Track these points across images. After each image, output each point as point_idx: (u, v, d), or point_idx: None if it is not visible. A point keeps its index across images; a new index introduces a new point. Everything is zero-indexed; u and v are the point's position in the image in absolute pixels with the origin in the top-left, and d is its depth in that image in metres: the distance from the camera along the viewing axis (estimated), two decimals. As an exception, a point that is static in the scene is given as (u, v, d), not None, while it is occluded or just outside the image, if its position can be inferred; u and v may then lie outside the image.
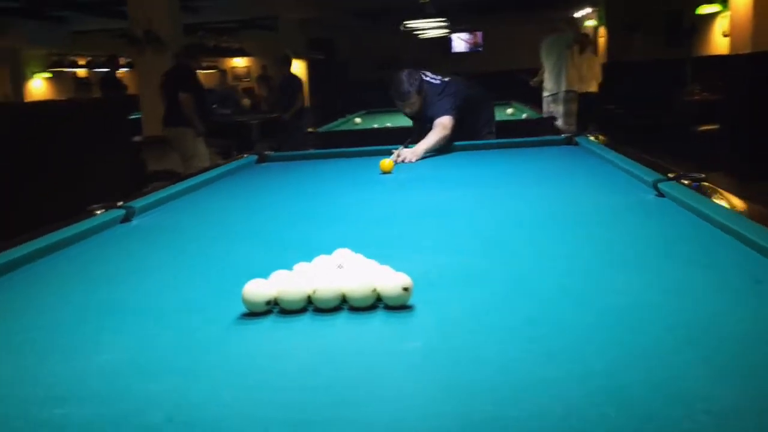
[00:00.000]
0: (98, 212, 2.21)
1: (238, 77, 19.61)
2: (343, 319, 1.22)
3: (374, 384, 0.95)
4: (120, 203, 2.31)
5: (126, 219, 2.26)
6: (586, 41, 7.50)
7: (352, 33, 17.42)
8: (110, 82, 10.11)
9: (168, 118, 6.27)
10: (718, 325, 1.09)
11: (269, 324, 1.22)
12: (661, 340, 1.03)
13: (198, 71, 6.81)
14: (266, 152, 3.79)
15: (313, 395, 0.91)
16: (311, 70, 13.96)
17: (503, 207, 2.21)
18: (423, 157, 3.42)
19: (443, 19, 6.58)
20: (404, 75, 3.76)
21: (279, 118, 8.14)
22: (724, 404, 0.83)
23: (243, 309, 1.26)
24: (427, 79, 3.86)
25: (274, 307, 1.27)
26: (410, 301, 1.26)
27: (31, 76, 15.04)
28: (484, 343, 1.08)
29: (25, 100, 14.01)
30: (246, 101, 12.68)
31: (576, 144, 3.47)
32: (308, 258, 1.41)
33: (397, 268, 1.29)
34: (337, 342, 1.13)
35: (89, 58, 14.89)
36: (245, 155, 3.75)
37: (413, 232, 1.91)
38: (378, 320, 1.21)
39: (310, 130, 5.62)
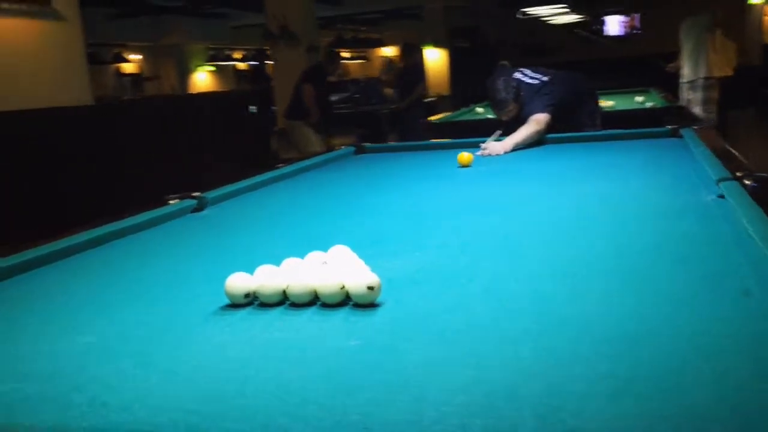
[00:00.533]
0: (171, 202, 2.40)
1: (391, 66, 20.03)
2: (308, 314, 1.27)
3: (276, 378, 0.99)
4: (196, 194, 2.49)
5: (198, 209, 2.43)
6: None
7: (498, 20, 17.17)
8: (258, 74, 10.69)
9: (289, 111, 6.61)
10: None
11: (241, 315, 1.30)
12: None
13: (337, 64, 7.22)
14: (363, 144, 3.88)
15: (215, 387, 0.97)
16: (454, 58, 13.94)
17: (556, 203, 2.14)
18: (512, 151, 3.36)
19: (564, 5, 6.30)
20: (500, 83, 3.71)
21: (398, 108, 8.20)
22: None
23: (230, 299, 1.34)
24: (525, 80, 3.79)
25: (255, 300, 1.34)
26: (380, 300, 1.29)
27: (194, 69, 16.25)
28: (424, 345, 1.08)
29: (189, 92, 15.18)
30: (388, 91, 12.92)
31: (680, 136, 3.26)
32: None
33: (394, 266, 1.33)
34: (278, 336, 1.18)
35: (244, 52, 15.77)
36: (343, 147, 3.87)
37: (441, 228, 1.92)
38: (338, 317, 1.25)
39: (432, 119, 5.70)
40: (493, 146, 3.36)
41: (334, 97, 11.31)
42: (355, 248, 1.47)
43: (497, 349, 1.04)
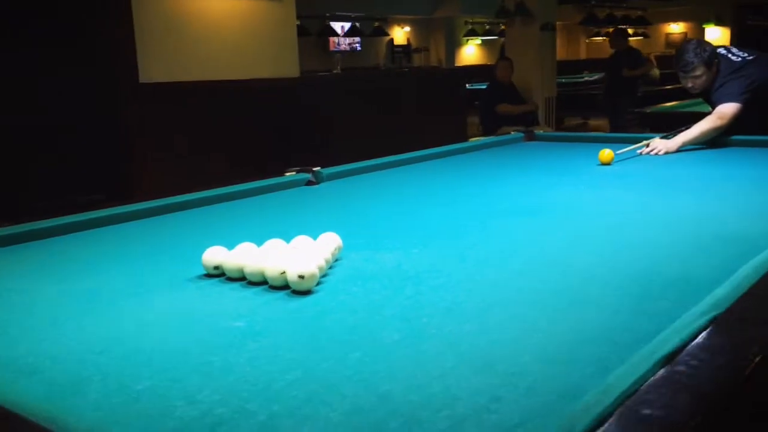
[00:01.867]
0: (287, 173, 2.62)
1: (673, 44, 18.56)
2: (242, 293, 1.38)
3: (152, 349, 1.12)
4: (316, 168, 2.68)
5: (312, 182, 2.62)
6: None
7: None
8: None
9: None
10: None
11: (192, 286, 1.44)
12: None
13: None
14: (535, 131, 3.77)
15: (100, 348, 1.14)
16: (741, 39, 12.48)
17: (625, 216, 1.95)
18: (679, 150, 3.05)
19: None
20: (692, 44, 3.32)
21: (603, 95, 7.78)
22: None
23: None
24: (728, 55, 3.33)
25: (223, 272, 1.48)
26: (316, 289, 1.36)
27: (465, 43, 16.59)
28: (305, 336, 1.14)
29: (455, 65, 15.59)
30: (655, 71, 11.96)
31: None
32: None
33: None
34: (184, 310, 1.30)
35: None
36: (511, 132, 3.81)
37: (496, 234, 1.87)
38: (261, 298, 1.34)
39: (649, 109, 5.29)
40: (657, 144, 3.07)
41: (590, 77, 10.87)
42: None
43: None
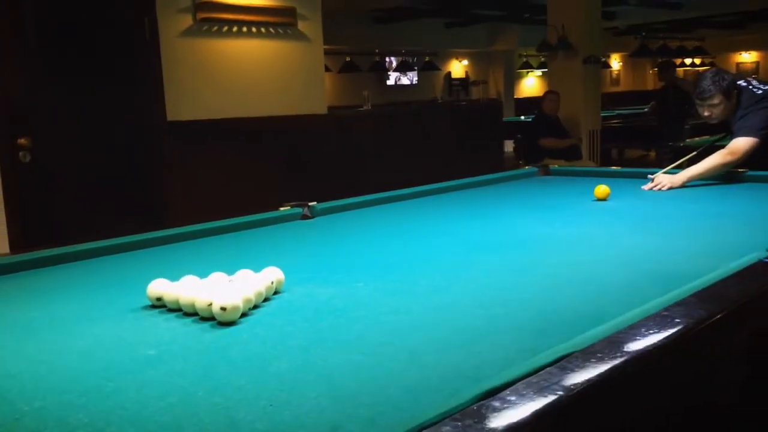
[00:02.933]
0: (282, 208, 2.72)
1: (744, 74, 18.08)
2: (172, 323, 1.46)
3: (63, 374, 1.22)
4: (312, 203, 2.77)
5: (307, 216, 2.70)
6: None
7: None
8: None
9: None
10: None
11: (129, 316, 1.54)
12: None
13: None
14: (549, 165, 3.77)
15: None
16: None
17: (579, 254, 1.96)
18: (682, 186, 3.00)
19: None
20: (711, 72, 3.28)
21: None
22: None
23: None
24: (748, 86, 3.26)
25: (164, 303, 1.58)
26: (240, 321, 1.43)
27: (525, 75, 16.58)
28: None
29: (515, 97, 15.58)
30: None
31: None
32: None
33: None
34: (110, 338, 1.39)
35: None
36: (528, 166, 3.82)
37: (430, 266, 1.91)
38: (186, 329, 1.42)
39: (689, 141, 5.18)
40: (662, 178, 3.03)
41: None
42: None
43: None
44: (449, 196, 3.20)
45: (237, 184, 4.62)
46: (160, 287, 1.58)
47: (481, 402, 0.89)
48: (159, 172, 4.37)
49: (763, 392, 1.46)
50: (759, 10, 13.36)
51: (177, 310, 1.54)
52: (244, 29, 4.57)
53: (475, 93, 15.47)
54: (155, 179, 4.40)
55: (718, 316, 1.17)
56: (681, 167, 3.18)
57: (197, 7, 4.39)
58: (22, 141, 4.08)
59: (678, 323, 1.14)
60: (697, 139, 5.49)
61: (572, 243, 2.13)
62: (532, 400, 0.89)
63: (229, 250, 2.28)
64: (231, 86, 4.58)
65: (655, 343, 1.07)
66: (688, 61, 16.78)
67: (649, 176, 3.10)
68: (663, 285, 1.50)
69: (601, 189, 2.81)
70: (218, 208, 4.30)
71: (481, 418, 0.85)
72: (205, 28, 4.44)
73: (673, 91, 7.38)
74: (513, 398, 0.89)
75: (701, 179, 3.06)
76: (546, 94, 7.06)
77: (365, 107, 6.11)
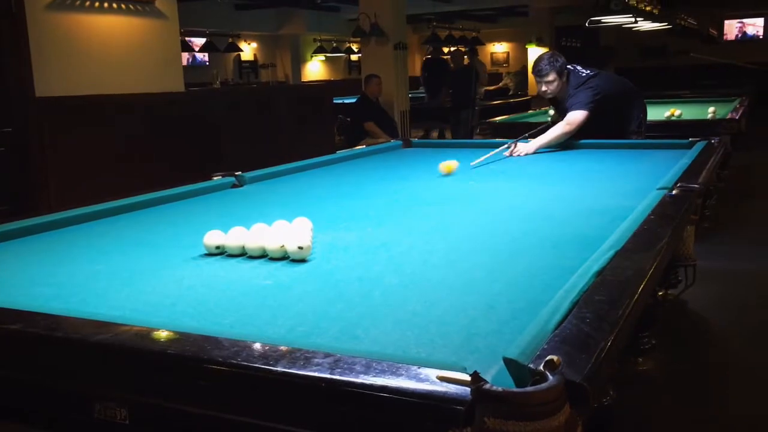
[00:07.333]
0: (215, 177, 2.91)
1: (497, 62, 20.25)
2: (252, 264, 1.72)
3: (203, 298, 1.44)
4: (238, 173, 2.98)
5: (238, 185, 2.92)
6: None
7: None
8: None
9: None
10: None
11: (207, 262, 1.76)
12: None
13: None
14: (411, 139, 4.28)
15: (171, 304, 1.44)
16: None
17: (505, 201, 2.49)
18: (535, 152, 3.66)
19: (629, 16, 6.37)
20: (547, 54, 3.98)
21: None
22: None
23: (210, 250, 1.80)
24: (575, 69, 4.00)
25: (224, 251, 1.80)
26: (310, 258, 1.72)
27: (309, 59, 17.08)
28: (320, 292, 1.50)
29: (302, 80, 16.03)
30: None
31: (688, 147, 3.43)
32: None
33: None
34: (225, 276, 1.63)
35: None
36: (392, 140, 4.30)
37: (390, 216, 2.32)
38: (271, 266, 1.68)
39: (496, 119, 6.02)
40: (519, 147, 3.67)
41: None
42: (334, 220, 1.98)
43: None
44: (343, 166, 3.56)
45: (111, 162, 4.54)
46: (219, 237, 1.80)
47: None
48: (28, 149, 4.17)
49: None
50: (507, 6, 15.21)
51: (237, 255, 1.77)
52: (105, 5, 4.49)
53: (264, 76, 15.68)
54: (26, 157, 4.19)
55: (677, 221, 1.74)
56: (533, 137, 3.83)
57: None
58: None
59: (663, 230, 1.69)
60: (515, 115, 6.38)
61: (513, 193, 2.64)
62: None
63: (200, 215, 2.45)
64: (98, 62, 4.48)
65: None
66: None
67: (507, 145, 3.71)
68: (616, 216, 2.03)
69: (444, 165, 3.10)
70: (99, 185, 4.23)
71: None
72: (69, 1, 4.30)
73: (463, 73, 8.63)
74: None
75: (548, 147, 3.74)
76: (369, 77, 7.35)
77: (215, 85, 6.18)
